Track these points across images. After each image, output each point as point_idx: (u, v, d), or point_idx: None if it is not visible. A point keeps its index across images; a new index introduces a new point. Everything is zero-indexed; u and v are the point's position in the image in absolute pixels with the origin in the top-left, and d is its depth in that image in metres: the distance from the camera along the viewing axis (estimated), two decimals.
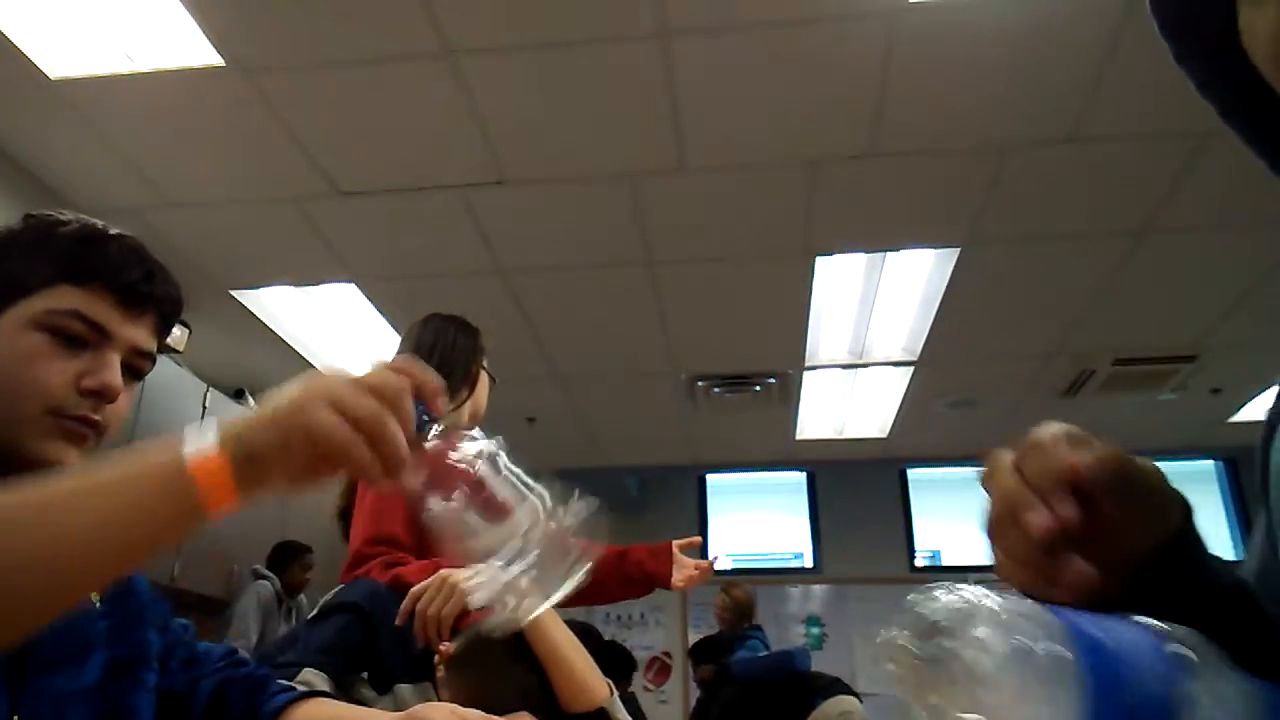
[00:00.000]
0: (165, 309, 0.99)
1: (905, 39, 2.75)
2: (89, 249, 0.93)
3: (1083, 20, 2.65)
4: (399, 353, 2.10)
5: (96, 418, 0.91)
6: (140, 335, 0.96)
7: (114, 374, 0.92)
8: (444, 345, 2.07)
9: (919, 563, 7.26)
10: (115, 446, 0.79)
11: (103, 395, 0.91)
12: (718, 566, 2.34)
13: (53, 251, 0.92)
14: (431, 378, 0.72)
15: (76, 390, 0.89)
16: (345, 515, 1.81)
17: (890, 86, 2.95)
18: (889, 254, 4.09)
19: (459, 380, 2.07)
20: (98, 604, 0.95)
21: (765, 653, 4.34)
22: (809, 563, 7.36)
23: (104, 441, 0.94)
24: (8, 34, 2.73)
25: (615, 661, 4.36)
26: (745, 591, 4.98)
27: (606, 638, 5.21)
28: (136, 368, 0.97)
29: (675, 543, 2.06)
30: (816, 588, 7.28)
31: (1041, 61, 2.83)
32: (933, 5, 2.63)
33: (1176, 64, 0.61)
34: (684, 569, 2.02)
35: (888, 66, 2.87)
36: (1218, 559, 0.55)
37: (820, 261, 4.09)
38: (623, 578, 2.02)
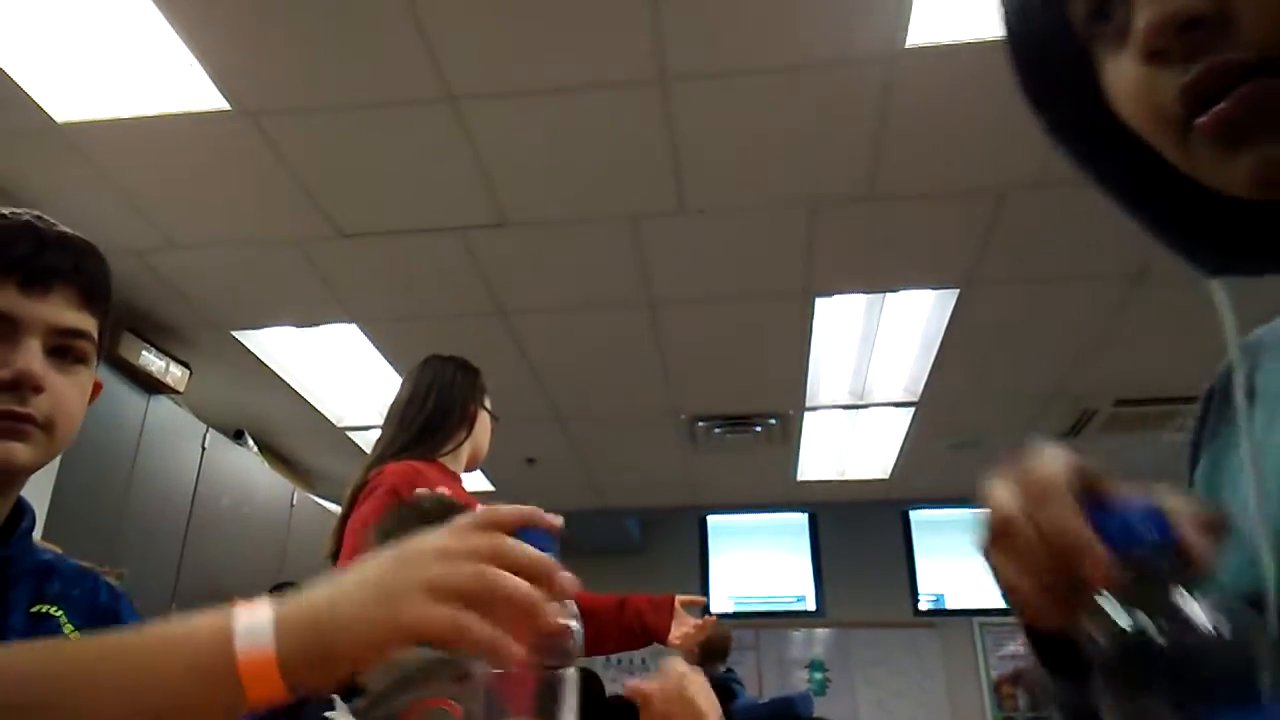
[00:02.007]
0: (78, 279, 0.90)
1: (903, 83, 2.79)
2: None
3: None
4: (399, 394, 2.10)
5: (26, 410, 0.84)
6: (54, 313, 0.87)
7: (26, 359, 0.84)
8: (442, 385, 2.07)
9: (923, 606, 7.19)
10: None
11: (19, 384, 0.84)
12: (718, 610, 2.32)
13: None
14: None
15: None
16: (336, 557, 1.80)
17: (888, 129, 2.98)
18: (888, 295, 4.10)
19: (457, 420, 2.06)
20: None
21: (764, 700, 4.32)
22: (811, 605, 7.29)
23: (56, 436, 0.88)
24: (14, 77, 2.76)
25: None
26: (725, 629, 4.79)
27: (607, 682, 5.15)
28: (69, 349, 0.89)
29: (679, 598, 2.03)
30: (819, 631, 7.20)
31: None
32: (929, 49, 2.66)
33: (1049, 136, 0.63)
34: (683, 625, 1.99)
35: (886, 110, 2.90)
36: None
37: (820, 302, 4.10)
38: (621, 630, 1.99)
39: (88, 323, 0.91)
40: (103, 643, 0.58)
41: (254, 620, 0.55)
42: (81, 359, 0.91)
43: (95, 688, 0.54)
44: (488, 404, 2.14)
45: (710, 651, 4.72)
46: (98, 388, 0.96)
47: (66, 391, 0.88)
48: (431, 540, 0.57)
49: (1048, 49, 0.59)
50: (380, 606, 0.54)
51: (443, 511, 1.26)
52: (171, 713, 0.55)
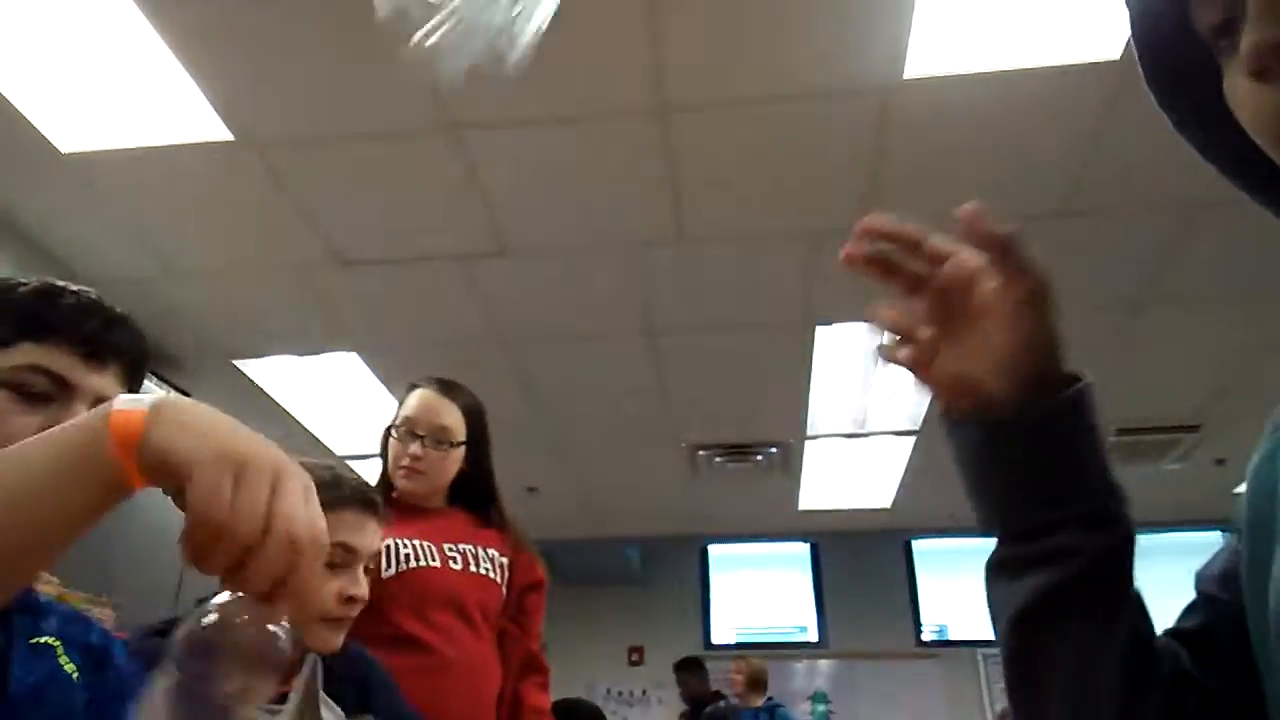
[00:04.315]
0: (129, 358, 0.99)
1: (899, 114, 2.81)
2: (46, 303, 0.94)
3: (1074, 96, 2.71)
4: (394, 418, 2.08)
5: None
6: (105, 384, 0.95)
7: None
8: None
9: (926, 636, 7.13)
10: None
11: None
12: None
13: (12, 310, 0.93)
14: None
15: None
16: None
17: (885, 160, 3.00)
18: None
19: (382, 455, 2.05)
20: (75, 675, 0.94)
21: None
22: (814, 636, 7.23)
23: None
24: (20, 108, 2.79)
25: None
26: (762, 663, 5.31)
27: (608, 715, 5.11)
28: None
29: None
30: (822, 663, 7.14)
31: (1034, 136, 2.88)
32: (926, 82, 2.68)
33: (1176, 131, 0.65)
34: None
35: (883, 140, 2.92)
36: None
37: (820, 330, 4.11)
38: None
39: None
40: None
41: (136, 398, 0.62)
42: None
43: None
44: (396, 420, 2.02)
45: (752, 683, 5.14)
46: None
47: None
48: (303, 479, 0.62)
49: (1173, 52, 0.62)
50: (229, 440, 0.59)
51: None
52: (52, 485, 0.59)
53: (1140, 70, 0.64)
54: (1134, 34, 0.63)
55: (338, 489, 1.41)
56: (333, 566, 1.35)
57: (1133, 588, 0.61)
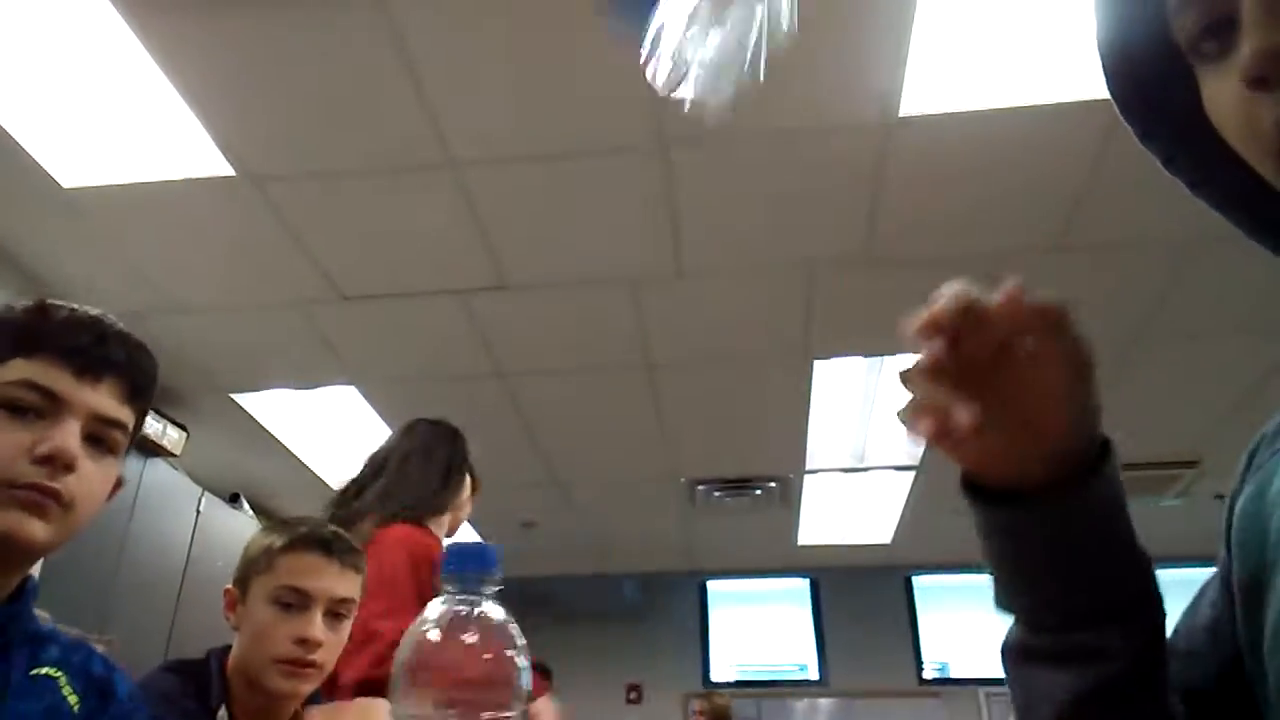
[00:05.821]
0: (129, 373, 0.96)
1: (897, 152, 2.83)
2: (39, 319, 0.93)
3: (1069, 133, 2.73)
4: (397, 448, 2.09)
5: (54, 485, 0.88)
6: (100, 401, 0.93)
7: (66, 438, 0.89)
8: (440, 448, 2.07)
9: (927, 674, 7.05)
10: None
11: (55, 461, 0.88)
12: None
13: (7, 329, 0.92)
14: None
15: (30, 459, 0.87)
16: None
17: (884, 197, 3.02)
18: (887, 357, 4.11)
19: (454, 485, 2.06)
20: (77, 706, 0.92)
21: None
22: (814, 674, 7.15)
23: (74, 518, 0.90)
24: (22, 144, 2.80)
25: None
26: (725, 699, 5.33)
27: None
28: (104, 438, 0.94)
29: None
30: (822, 701, 7.05)
31: (1030, 172, 2.90)
32: (923, 120, 2.71)
33: (1141, 143, 0.63)
34: None
35: (881, 178, 2.94)
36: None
37: (819, 365, 4.11)
38: None
39: (127, 416, 0.96)
40: None
41: None
42: (113, 450, 0.95)
43: None
44: (471, 468, 2.17)
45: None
46: (118, 484, 0.99)
47: (94, 477, 0.92)
48: None
49: (1143, 60, 0.60)
50: None
51: None
52: None
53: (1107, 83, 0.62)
54: (1100, 42, 0.61)
55: (292, 531, 1.39)
56: (287, 607, 1.34)
57: (1168, 689, 0.57)
